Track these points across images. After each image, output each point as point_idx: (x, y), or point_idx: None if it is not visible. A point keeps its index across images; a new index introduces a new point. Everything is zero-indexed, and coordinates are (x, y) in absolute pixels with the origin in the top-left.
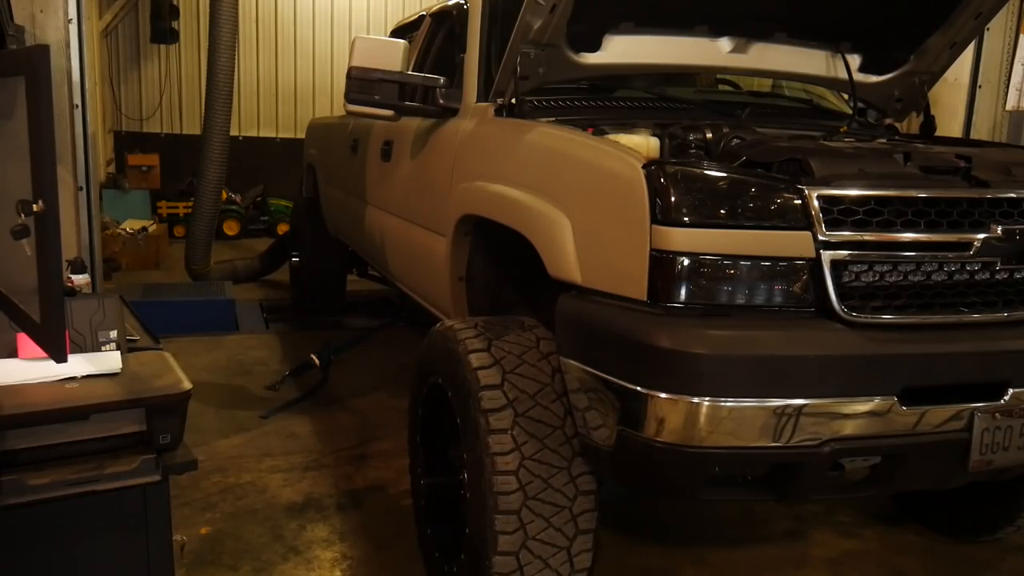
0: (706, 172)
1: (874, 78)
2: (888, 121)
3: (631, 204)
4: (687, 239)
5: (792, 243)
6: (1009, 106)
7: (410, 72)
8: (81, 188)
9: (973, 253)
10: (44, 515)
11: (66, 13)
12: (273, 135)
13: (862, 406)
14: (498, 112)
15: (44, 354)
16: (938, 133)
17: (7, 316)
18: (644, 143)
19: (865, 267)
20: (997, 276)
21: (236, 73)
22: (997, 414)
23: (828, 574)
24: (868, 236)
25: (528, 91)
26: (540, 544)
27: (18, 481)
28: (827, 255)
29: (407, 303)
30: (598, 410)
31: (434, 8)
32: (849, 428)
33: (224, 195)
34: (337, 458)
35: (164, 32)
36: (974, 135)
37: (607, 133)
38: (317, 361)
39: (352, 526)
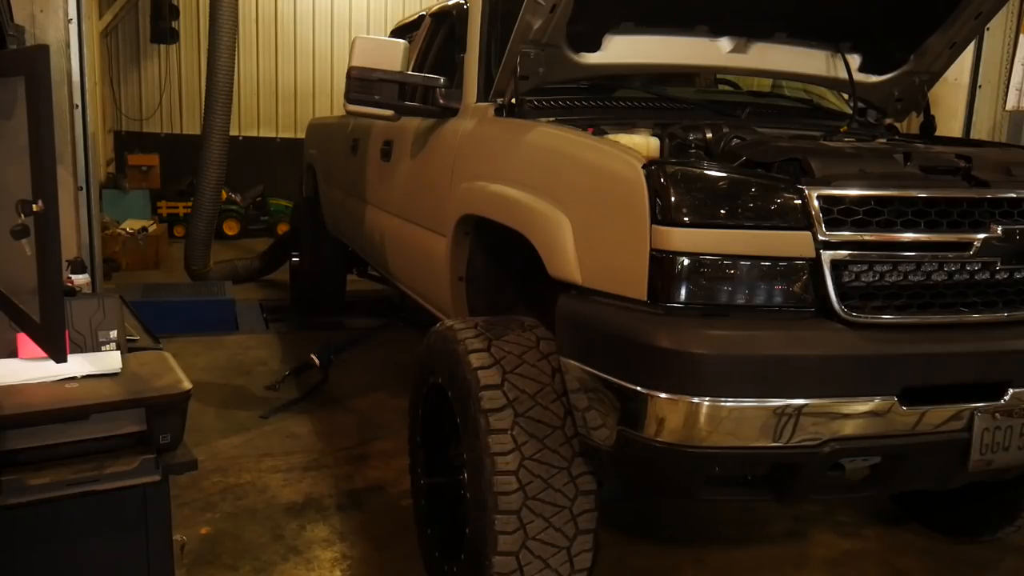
0: (706, 172)
1: (874, 78)
2: (888, 121)
3: (631, 204)
4: (687, 239)
5: (792, 243)
6: (1009, 106)
7: (410, 72)
8: (81, 188)
9: (973, 253)
10: (44, 515)
11: (66, 13)
12: (273, 135)
13: (862, 406)
14: (498, 112)
15: (44, 354)
16: (938, 133)
17: (7, 316)
18: (644, 143)
19: (865, 267)
20: (997, 276)
21: (236, 73)
22: (997, 414)
23: (828, 574)
24: (868, 236)
25: (528, 91)
26: (540, 544)
27: (18, 481)
28: (827, 255)
29: (407, 303)
30: (598, 410)
31: (434, 8)
32: (849, 428)
33: (224, 195)
34: (337, 458)
35: (164, 32)
36: (974, 135)
37: (607, 133)
38: (317, 361)
39: (352, 526)
